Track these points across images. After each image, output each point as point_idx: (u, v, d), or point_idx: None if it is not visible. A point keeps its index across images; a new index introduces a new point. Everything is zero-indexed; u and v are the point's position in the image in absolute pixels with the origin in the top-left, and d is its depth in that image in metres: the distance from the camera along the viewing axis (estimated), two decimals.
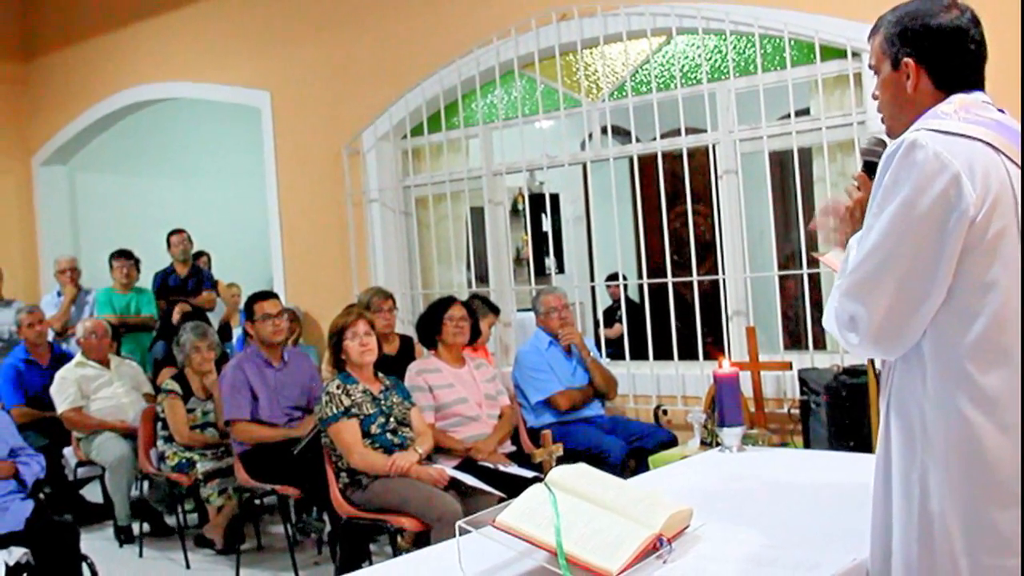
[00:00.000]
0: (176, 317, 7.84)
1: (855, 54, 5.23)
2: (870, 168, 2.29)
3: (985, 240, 1.92)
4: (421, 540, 4.51)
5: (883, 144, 2.31)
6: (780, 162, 6.19)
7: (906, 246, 1.93)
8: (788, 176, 5.96)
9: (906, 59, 2.11)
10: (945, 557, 1.94)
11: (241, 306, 7.82)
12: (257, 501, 6.01)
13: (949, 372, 1.95)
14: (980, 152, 1.95)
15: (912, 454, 2.00)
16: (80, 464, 6.66)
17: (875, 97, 2.25)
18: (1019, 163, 1.98)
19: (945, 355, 1.96)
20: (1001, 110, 2.09)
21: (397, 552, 4.59)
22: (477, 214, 7.14)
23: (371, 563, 4.96)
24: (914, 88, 2.11)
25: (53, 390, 6.65)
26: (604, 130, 6.42)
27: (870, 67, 2.23)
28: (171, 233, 8.58)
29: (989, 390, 1.92)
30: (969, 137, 1.96)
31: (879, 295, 1.95)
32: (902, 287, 1.94)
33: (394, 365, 5.57)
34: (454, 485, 4.67)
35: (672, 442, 5.55)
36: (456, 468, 4.87)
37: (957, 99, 2.07)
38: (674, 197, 6.49)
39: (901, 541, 2.01)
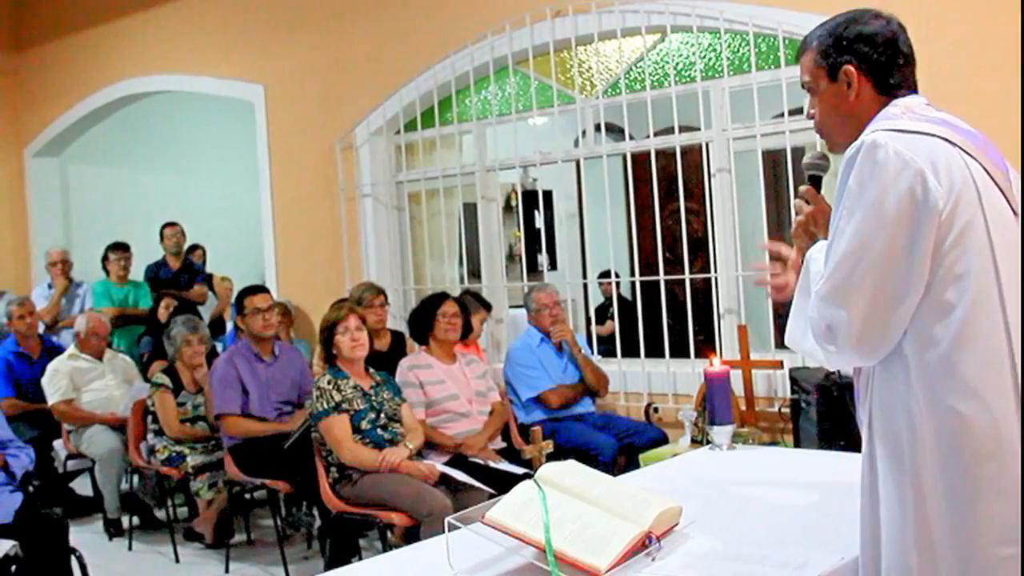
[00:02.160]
0: (163, 312, 7.82)
1: None
2: (815, 181, 2.31)
3: (953, 233, 1.93)
4: (410, 535, 4.51)
5: (826, 158, 2.35)
6: (773, 161, 6.20)
7: (878, 247, 1.94)
8: (781, 175, 5.97)
9: (846, 67, 2.13)
10: (946, 557, 1.93)
11: (233, 300, 7.81)
12: (247, 495, 6.00)
13: (933, 368, 1.95)
14: (939, 148, 1.97)
15: (900, 459, 1.99)
16: (70, 457, 6.65)
17: (810, 116, 2.26)
18: (973, 155, 2.00)
19: (927, 351, 1.96)
20: (939, 110, 2.11)
21: (387, 547, 4.59)
22: (470, 210, 7.14)
23: (360, 558, 4.97)
24: (856, 96, 2.14)
25: (44, 382, 6.64)
26: (598, 127, 6.42)
27: (803, 86, 2.25)
28: (164, 226, 8.60)
29: (973, 380, 1.92)
30: (926, 134, 1.98)
31: (857, 299, 1.95)
32: (879, 288, 1.94)
33: (385, 361, 5.57)
34: (444, 481, 4.68)
35: (663, 440, 5.55)
36: (446, 464, 4.87)
37: (901, 103, 2.09)
38: (667, 195, 6.49)
39: (895, 549, 1.99)
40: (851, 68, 2.13)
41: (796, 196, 2.31)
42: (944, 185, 1.92)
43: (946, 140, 1.98)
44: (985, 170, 2.01)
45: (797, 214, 2.28)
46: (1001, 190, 2.02)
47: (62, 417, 6.60)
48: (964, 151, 1.99)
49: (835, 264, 1.98)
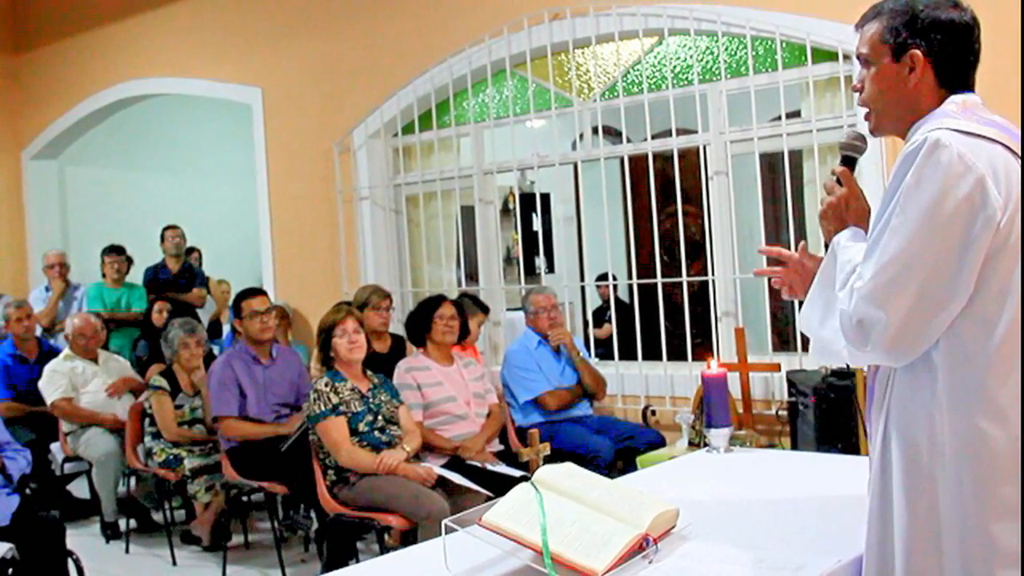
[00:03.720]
0: (158, 316, 7.81)
1: (846, 57, 5.23)
2: (849, 163, 2.23)
3: (1008, 245, 1.88)
4: (408, 538, 4.51)
5: (863, 139, 2.25)
6: (770, 164, 6.20)
7: (929, 250, 1.87)
8: (778, 178, 5.98)
9: (914, 51, 2.04)
10: (954, 567, 1.91)
11: (230, 303, 7.82)
12: (244, 498, 6.00)
13: (964, 381, 1.91)
14: (1000, 155, 1.91)
15: (917, 464, 1.96)
16: (67, 459, 6.64)
17: (857, 89, 2.16)
18: None
19: (961, 363, 1.91)
20: (994, 113, 2.04)
21: (384, 550, 4.58)
22: (467, 213, 7.14)
23: (358, 561, 4.96)
24: (916, 82, 2.05)
25: (42, 383, 6.62)
26: (595, 130, 6.42)
27: (859, 56, 2.14)
28: (166, 228, 8.61)
29: (1004, 400, 1.89)
30: (987, 139, 1.91)
31: (899, 302, 1.88)
32: (923, 293, 1.88)
33: (385, 363, 5.56)
34: (441, 483, 4.68)
35: (660, 443, 5.55)
36: (444, 466, 4.88)
37: (960, 99, 2.02)
38: (665, 198, 6.49)
39: (905, 551, 1.98)
40: (919, 54, 2.03)
41: (830, 174, 2.22)
42: (1003, 194, 1.87)
43: (1007, 147, 1.92)
44: None
45: (828, 194, 2.19)
46: None
47: (62, 415, 6.57)
48: (1022, 160, 1.94)
49: (882, 263, 1.90)
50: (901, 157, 1.94)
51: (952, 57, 2.04)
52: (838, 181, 2.19)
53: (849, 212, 2.15)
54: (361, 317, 5.13)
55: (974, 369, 1.91)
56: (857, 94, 2.18)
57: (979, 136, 1.91)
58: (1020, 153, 1.96)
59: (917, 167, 1.89)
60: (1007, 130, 1.98)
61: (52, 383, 6.59)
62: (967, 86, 2.07)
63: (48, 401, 6.58)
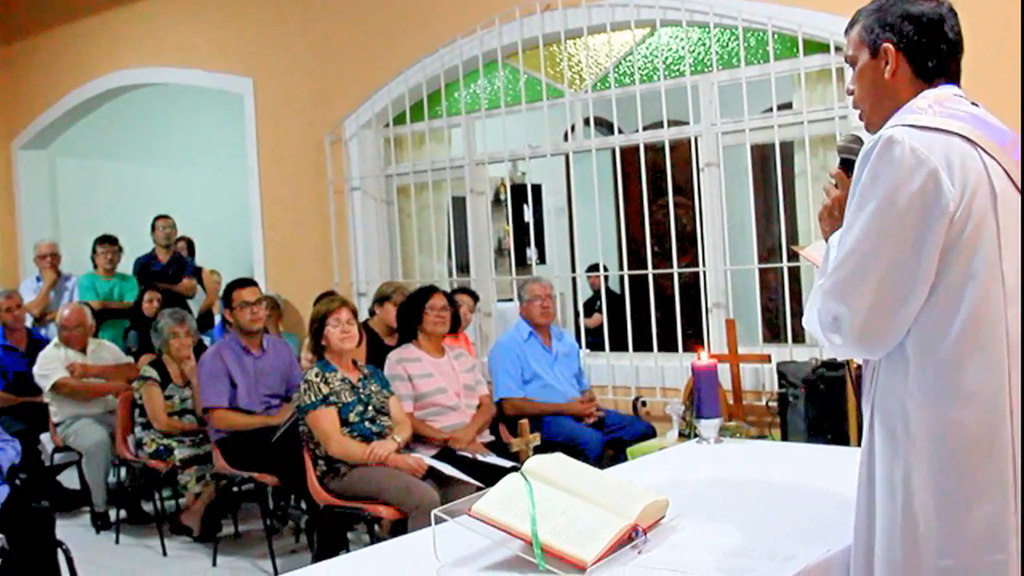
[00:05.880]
0: (148, 306, 7.79)
1: (838, 48, 5.23)
2: (847, 165, 2.27)
3: (965, 235, 1.91)
4: (398, 528, 4.51)
5: (860, 141, 2.30)
6: (762, 155, 6.21)
7: (885, 244, 1.92)
8: (770, 169, 5.97)
9: (886, 45, 2.09)
10: (931, 555, 1.93)
11: (221, 293, 7.81)
12: (235, 488, 5.99)
13: (932, 369, 1.94)
14: (956, 146, 1.94)
15: (895, 453, 1.98)
16: (57, 450, 6.63)
17: (850, 92, 2.22)
18: (994, 155, 1.97)
19: (928, 352, 1.95)
20: (975, 103, 2.08)
21: (374, 540, 4.58)
22: (459, 204, 7.14)
23: (348, 551, 4.95)
24: (892, 75, 2.10)
25: (37, 369, 6.58)
26: (587, 121, 6.42)
27: (846, 60, 2.21)
28: (156, 218, 8.58)
29: (971, 386, 1.91)
30: (945, 131, 1.95)
31: (861, 295, 1.94)
32: (883, 286, 1.92)
33: None
34: (432, 474, 4.68)
35: (650, 433, 5.57)
36: (434, 457, 4.87)
37: (932, 94, 2.06)
38: (656, 189, 6.49)
39: (884, 540, 2.00)
40: (890, 46, 2.09)
41: (828, 177, 2.29)
42: (957, 186, 1.90)
43: (966, 138, 1.95)
44: (1005, 171, 1.98)
45: (828, 196, 2.26)
46: (1021, 191, 2.00)
47: (69, 392, 6.53)
48: (985, 150, 1.96)
49: (841, 259, 1.97)
50: (861, 155, 2.00)
51: (924, 48, 2.09)
52: (836, 185, 2.26)
53: (842, 213, 2.19)
54: (354, 307, 5.12)
55: (939, 358, 1.94)
56: (851, 96, 2.23)
57: (936, 129, 1.95)
58: (988, 144, 1.98)
59: (872, 164, 1.95)
60: (979, 121, 2.01)
61: (48, 368, 6.56)
62: (948, 76, 2.11)
63: (49, 384, 6.52)
